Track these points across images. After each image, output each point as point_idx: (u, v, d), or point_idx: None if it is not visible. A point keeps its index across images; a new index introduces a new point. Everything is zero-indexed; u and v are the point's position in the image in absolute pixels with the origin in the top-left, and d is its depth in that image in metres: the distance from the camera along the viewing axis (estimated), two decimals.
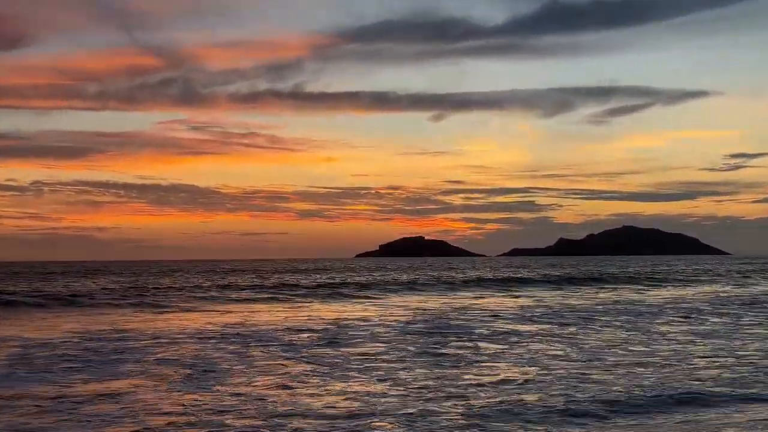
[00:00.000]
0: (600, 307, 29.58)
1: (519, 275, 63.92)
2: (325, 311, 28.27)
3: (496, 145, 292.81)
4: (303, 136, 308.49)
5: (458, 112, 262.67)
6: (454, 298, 36.39)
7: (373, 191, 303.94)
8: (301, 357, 15.46)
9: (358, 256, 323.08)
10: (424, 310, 28.37)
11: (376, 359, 15.10)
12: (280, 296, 37.19)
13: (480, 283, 50.18)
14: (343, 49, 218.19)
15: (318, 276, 67.80)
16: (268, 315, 26.73)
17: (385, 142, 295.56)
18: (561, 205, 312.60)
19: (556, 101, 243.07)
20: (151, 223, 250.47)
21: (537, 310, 27.99)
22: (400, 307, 30.28)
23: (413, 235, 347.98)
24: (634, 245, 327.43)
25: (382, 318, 24.72)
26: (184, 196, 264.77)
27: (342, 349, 16.51)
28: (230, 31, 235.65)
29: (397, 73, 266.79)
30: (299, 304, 32.59)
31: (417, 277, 61.60)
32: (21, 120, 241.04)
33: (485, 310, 28.29)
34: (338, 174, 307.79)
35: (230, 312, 28.08)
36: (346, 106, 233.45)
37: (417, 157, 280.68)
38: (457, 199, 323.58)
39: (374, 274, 72.10)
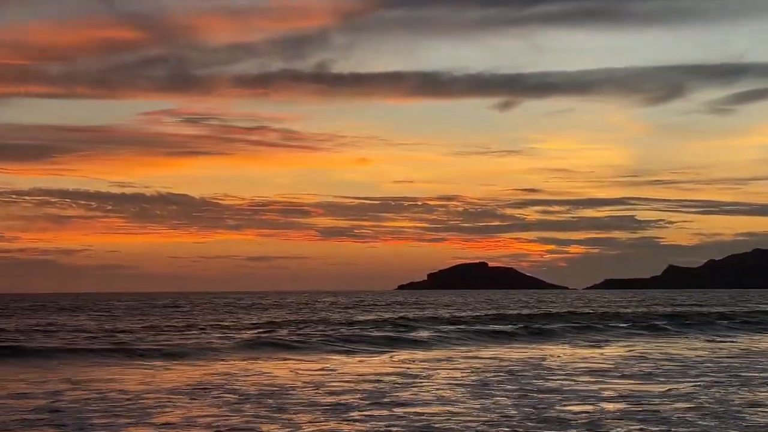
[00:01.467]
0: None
1: (618, 311, 60.53)
2: (356, 365, 27.08)
3: (583, 141, 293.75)
4: (328, 130, 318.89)
5: (532, 99, 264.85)
6: (542, 348, 35.23)
7: (420, 203, 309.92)
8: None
9: (400, 287, 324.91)
10: (502, 363, 27.00)
11: None
12: (294, 342, 35.98)
13: (575, 324, 49.56)
14: (381, 16, 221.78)
15: (351, 312, 65.50)
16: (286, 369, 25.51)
17: (435, 138, 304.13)
18: (670, 222, 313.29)
19: (664, 84, 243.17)
20: (131, 243, 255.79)
21: (665, 364, 26.37)
22: (469, 358, 29.10)
23: (473, 261, 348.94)
24: None
25: (447, 380, 23.06)
26: (175, 210, 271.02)
27: None
28: None
29: (451, 48, 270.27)
30: (320, 355, 31.51)
31: (478, 314, 60.94)
32: None
33: (593, 367, 26.65)
34: (374, 180, 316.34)
35: (226, 361, 27.39)
36: (385, 92, 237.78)
37: (478, 158, 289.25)
38: (531, 213, 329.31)
39: (424, 311, 71.52)
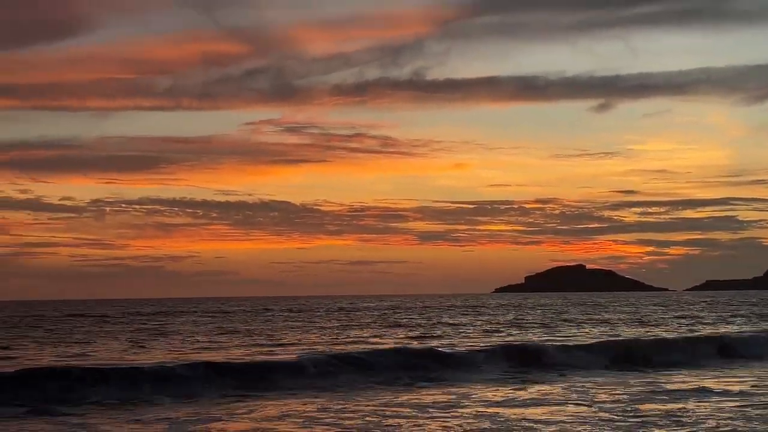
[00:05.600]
0: None
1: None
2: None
3: (682, 142, 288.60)
4: (424, 136, 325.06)
5: (629, 101, 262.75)
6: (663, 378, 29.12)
7: (516, 206, 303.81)
8: None
9: (497, 290, 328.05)
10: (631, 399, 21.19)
11: None
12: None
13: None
14: (477, 23, 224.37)
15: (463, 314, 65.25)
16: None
17: (532, 141, 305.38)
18: None
19: (764, 82, 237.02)
20: (236, 249, 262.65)
21: None
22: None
23: (570, 263, 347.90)
24: None
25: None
26: (277, 216, 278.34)
27: None
28: (332, 7, 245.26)
29: (547, 51, 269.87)
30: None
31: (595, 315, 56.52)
32: (77, 125, 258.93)
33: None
34: (470, 184, 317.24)
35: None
36: (481, 96, 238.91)
37: (575, 161, 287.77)
38: (629, 215, 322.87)
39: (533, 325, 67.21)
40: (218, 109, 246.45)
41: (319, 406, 19.28)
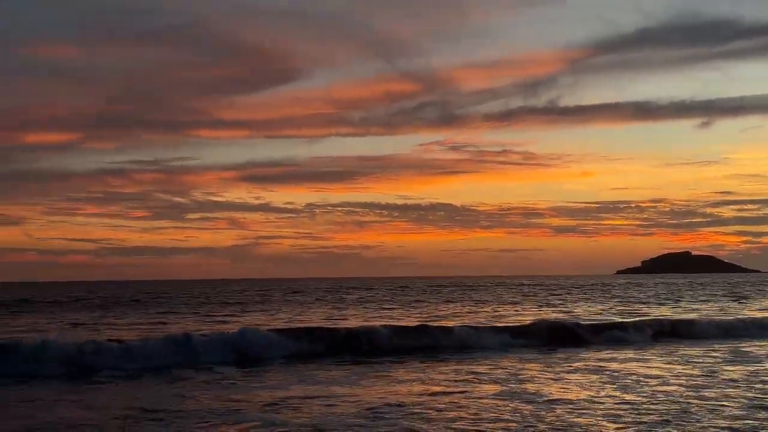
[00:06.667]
0: None
1: None
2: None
3: None
4: (557, 150, 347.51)
5: (727, 119, 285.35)
6: None
7: (633, 205, 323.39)
8: None
9: (619, 272, 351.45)
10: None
11: None
12: None
13: None
14: (599, 60, 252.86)
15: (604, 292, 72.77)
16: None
17: (645, 153, 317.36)
18: None
19: None
20: (412, 240, 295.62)
21: None
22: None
23: (678, 251, 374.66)
24: None
25: None
26: (442, 215, 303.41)
27: None
28: (484, 51, 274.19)
29: (658, 81, 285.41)
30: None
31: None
32: (296, 148, 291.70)
33: None
34: (595, 189, 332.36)
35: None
36: (603, 118, 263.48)
37: (681, 168, 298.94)
38: (727, 212, 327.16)
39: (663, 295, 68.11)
40: (397, 134, 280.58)
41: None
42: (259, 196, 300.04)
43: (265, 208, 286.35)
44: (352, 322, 34.83)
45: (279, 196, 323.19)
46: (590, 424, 12.89)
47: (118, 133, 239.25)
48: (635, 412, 13.97)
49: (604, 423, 13.06)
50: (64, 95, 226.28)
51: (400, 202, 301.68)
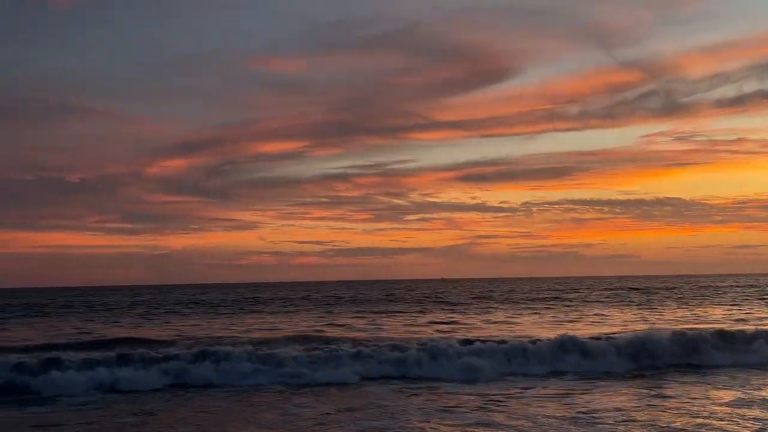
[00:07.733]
0: None
1: None
2: None
3: None
4: None
5: None
6: None
7: None
8: None
9: None
10: None
11: None
12: None
13: None
14: None
15: None
16: None
17: None
18: None
19: None
20: (635, 237, 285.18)
21: None
22: None
23: None
24: None
25: None
26: (669, 210, 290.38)
27: None
28: (711, 34, 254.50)
29: None
30: None
31: None
32: (508, 146, 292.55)
33: None
34: None
35: None
36: None
37: None
38: None
39: None
40: (618, 126, 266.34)
41: None
42: (475, 196, 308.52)
43: (481, 207, 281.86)
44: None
45: (495, 195, 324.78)
46: None
47: (340, 140, 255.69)
48: None
49: None
50: (291, 106, 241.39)
51: (622, 197, 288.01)
